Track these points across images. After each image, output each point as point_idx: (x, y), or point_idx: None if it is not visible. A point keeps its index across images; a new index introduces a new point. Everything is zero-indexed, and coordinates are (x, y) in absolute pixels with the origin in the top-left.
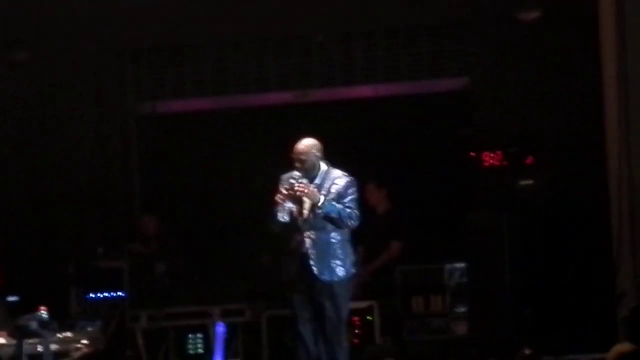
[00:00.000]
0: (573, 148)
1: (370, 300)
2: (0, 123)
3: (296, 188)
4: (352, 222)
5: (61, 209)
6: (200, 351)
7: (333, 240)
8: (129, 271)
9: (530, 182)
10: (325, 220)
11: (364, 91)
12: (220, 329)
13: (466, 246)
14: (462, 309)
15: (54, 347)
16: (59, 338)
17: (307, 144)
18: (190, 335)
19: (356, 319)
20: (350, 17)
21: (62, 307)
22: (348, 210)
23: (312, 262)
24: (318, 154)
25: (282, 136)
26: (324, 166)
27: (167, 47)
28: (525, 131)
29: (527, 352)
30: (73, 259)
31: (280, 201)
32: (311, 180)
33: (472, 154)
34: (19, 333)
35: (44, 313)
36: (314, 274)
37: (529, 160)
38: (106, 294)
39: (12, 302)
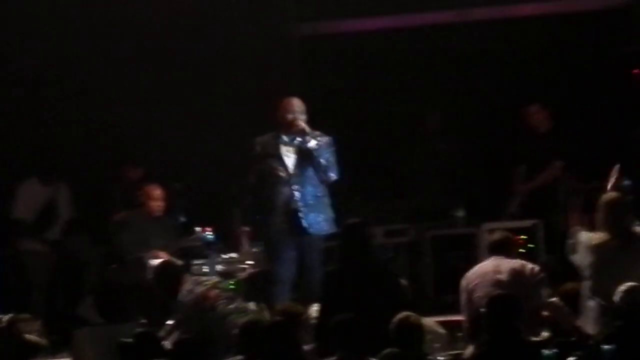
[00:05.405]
0: None
1: (534, 219)
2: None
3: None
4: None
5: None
6: None
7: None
8: None
9: None
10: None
11: (525, 9)
12: None
13: (630, 164)
14: None
15: (219, 267)
16: (224, 258)
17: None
18: None
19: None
20: None
21: (227, 228)
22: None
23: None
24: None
25: (441, 56)
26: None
27: None
28: None
29: None
30: (237, 181)
31: None
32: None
33: (635, 70)
34: (185, 253)
35: (209, 234)
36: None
37: None
38: None
39: (180, 223)
